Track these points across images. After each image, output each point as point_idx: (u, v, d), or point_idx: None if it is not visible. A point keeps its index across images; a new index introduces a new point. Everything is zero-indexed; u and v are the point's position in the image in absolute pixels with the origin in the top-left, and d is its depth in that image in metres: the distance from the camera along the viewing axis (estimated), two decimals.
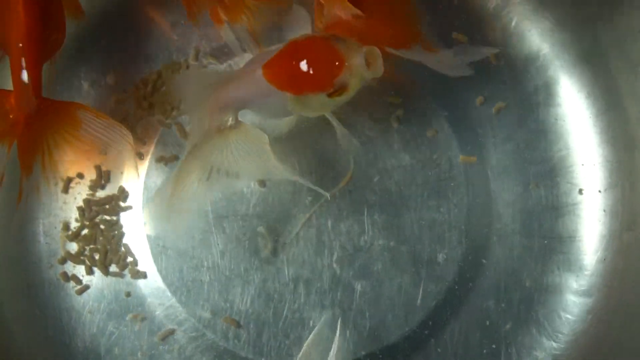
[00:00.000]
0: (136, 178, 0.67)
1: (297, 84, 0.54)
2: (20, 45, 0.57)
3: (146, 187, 0.67)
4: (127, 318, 0.66)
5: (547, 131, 0.66)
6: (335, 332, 0.63)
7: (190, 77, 0.60)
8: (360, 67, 0.52)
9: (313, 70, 0.53)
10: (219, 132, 0.57)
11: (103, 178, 0.67)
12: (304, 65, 0.53)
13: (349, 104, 0.66)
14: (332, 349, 0.62)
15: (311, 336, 0.63)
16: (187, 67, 0.68)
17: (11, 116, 0.59)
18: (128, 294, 0.66)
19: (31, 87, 0.58)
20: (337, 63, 0.52)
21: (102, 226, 0.67)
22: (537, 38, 0.67)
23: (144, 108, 0.68)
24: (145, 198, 0.67)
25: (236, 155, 0.57)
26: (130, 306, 0.66)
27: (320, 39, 0.53)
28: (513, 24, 0.67)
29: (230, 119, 0.57)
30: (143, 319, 0.66)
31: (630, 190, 0.64)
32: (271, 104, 0.56)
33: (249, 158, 0.58)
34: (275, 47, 0.55)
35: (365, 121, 0.67)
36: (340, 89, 0.53)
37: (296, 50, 0.54)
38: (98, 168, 0.67)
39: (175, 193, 0.58)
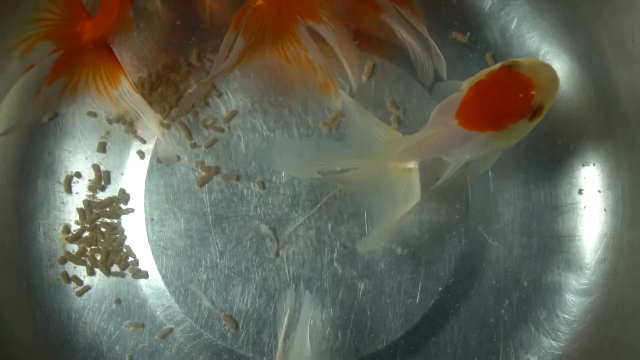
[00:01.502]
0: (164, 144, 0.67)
1: (497, 121, 0.55)
2: None
3: (147, 190, 0.67)
4: (125, 324, 0.66)
5: (548, 131, 0.66)
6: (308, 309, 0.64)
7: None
8: (548, 80, 0.54)
9: (509, 103, 0.54)
10: (392, 167, 0.59)
11: (103, 179, 0.67)
12: (499, 102, 0.54)
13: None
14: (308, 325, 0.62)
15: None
16: (188, 66, 0.68)
17: (79, 33, 0.61)
18: (128, 295, 0.66)
19: (111, 28, 0.61)
20: (527, 86, 0.53)
21: (102, 229, 0.67)
22: (536, 38, 0.67)
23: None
24: (147, 201, 0.67)
25: (387, 191, 0.59)
26: (130, 307, 0.66)
27: (503, 71, 0.54)
28: (513, 25, 0.67)
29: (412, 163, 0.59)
30: (142, 326, 0.66)
31: (630, 190, 0.65)
32: (471, 146, 0.57)
33: (385, 201, 0.59)
34: (452, 96, 0.57)
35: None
36: (539, 109, 0.54)
37: (484, 89, 0.55)
38: (96, 168, 0.67)
39: None
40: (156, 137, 0.67)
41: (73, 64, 0.62)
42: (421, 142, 0.57)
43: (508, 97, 0.54)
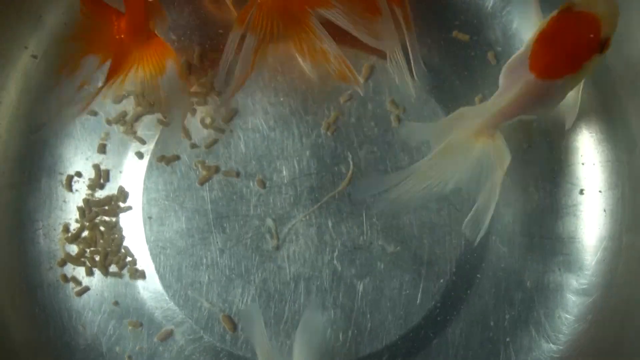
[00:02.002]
0: (183, 139, 0.67)
1: (572, 63, 0.55)
2: None
3: (146, 188, 0.67)
4: (124, 323, 0.66)
5: (548, 130, 0.66)
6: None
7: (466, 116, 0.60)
8: (608, 9, 0.55)
9: (579, 43, 0.55)
10: (475, 138, 0.59)
11: (102, 177, 0.67)
12: (570, 44, 0.55)
13: (348, 105, 0.67)
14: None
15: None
16: (190, 66, 0.68)
17: (117, 37, 0.61)
18: (126, 297, 0.66)
19: (144, 14, 0.61)
20: (592, 23, 0.54)
21: (101, 228, 0.67)
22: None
23: (143, 106, 0.68)
24: (146, 199, 0.67)
25: (475, 164, 0.59)
26: (130, 308, 0.66)
27: (563, 15, 0.55)
28: (514, 24, 0.67)
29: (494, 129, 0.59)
30: (140, 325, 0.66)
31: (631, 190, 0.64)
32: (550, 97, 0.57)
33: (480, 172, 0.59)
34: (514, 56, 0.57)
35: (365, 121, 0.67)
36: (607, 40, 0.55)
37: (551, 36, 0.56)
38: (97, 167, 0.67)
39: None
40: (156, 138, 0.67)
41: (124, 65, 0.62)
42: (503, 107, 0.57)
43: (577, 38, 0.55)
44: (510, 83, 0.58)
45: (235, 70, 0.63)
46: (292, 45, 0.64)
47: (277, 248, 0.66)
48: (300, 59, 0.66)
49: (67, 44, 0.62)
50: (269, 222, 0.66)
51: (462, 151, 0.59)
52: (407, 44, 0.64)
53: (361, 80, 0.64)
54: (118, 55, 0.61)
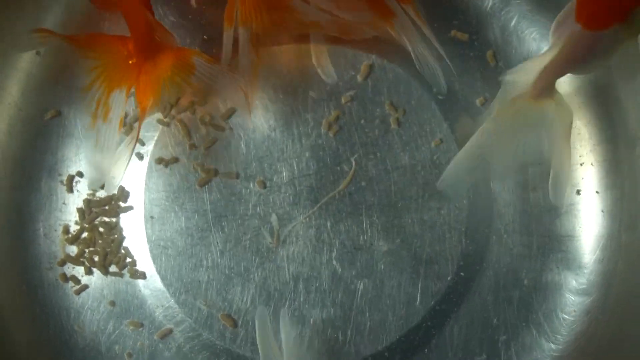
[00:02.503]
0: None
1: (620, 9, 0.52)
2: None
3: (147, 188, 0.67)
4: (124, 324, 0.66)
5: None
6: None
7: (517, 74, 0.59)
8: None
9: None
10: (535, 100, 0.57)
11: None
12: None
13: (349, 105, 0.67)
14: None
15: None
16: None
17: (131, 62, 0.61)
18: (127, 295, 0.66)
19: (149, 30, 0.59)
20: None
21: (101, 229, 0.67)
22: (536, 36, 0.67)
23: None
24: (147, 198, 0.67)
25: (539, 126, 0.58)
26: (130, 307, 0.66)
27: None
28: (512, 23, 0.67)
29: (551, 88, 0.57)
30: (141, 325, 0.66)
31: (629, 190, 0.65)
32: (600, 49, 0.55)
33: (549, 133, 0.58)
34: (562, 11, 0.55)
35: (365, 122, 0.67)
36: None
37: None
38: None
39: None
40: (156, 138, 0.67)
41: (149, 85, 0.61)
42: (551, 63, 0.56)
43: None
44: (557, 37, 0.56)
45: (239, 67, 0.63)
46: (283, 31, 0.64)
47: (277, 246, 0.66)
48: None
49: (87, 90, 0.61)
50: (274, 218, 0.66)
51: (522, 116, 0.58)
52: (427, 36, 0.64)
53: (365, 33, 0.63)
54: (144, 78, 0.61)
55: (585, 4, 0.53)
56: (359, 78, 0.67)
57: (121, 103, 0.61)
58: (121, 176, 0.62)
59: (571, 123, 0.58)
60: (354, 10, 0.63)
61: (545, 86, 0.57)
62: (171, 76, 0.61)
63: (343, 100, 0.67)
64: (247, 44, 0.62)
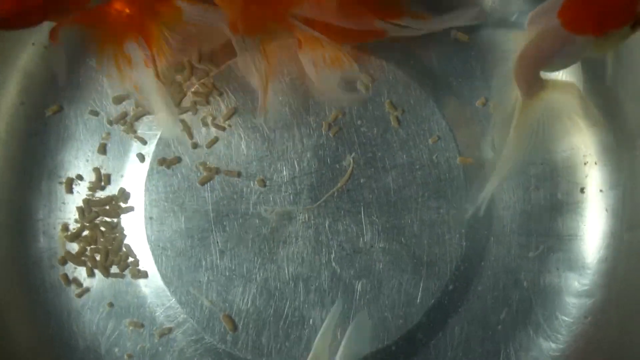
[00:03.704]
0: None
1: (601, 24, 0.53)
2: None
3: (147, 189, 0.67)
4: (125, 323, 0.66)
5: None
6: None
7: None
8: None
9: (615, 6, 0.53)
10: (530, 97, 0.58)
11: (103, 180, 0.68)
12: (605, 4, 0.53)
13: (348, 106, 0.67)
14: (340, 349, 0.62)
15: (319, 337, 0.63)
16: (191, 67, 0.68)
17: (124, 19, 0.61)
18: (127, 295, 0.66)
19: None
20: None
21: (102, 228, 0.67)
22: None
23: (143, 107, 0.68)
24: (147, 199, 0.67)
25: (549, 117, 0.58)
26: (130, 307, 0.66)
27: None
28: (512, 20, 0.67)
29: (537, 81, 0.58)
30: (141, 326, 0.66)
31: (632, 189, 0.64)
32: (568, 52, 0.56)
33: (561, 116, 0.59)
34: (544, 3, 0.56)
35: (365, 121, 0.67)
36: None
37: None
38: (97, 171, 0.67)
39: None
40: (157, 138, 0.67)
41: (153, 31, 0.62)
42: (524, 54, 0.56)
43: (614, 1, 0.53)
44: (533, 27, 0.57)
45: (240, 65, 0.64)
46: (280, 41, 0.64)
47: (277, 246, 0.66)
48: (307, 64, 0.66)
49: (100, 55, 0.62)
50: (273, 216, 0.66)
51: (532, 118, 0.58)
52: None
53: (356, 65, 0.64)
54: (140, 29, 0.62)
55: (572, 5, 0.54)
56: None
57: (136, 50, 0.61)
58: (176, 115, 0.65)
59: (580, 98, 0.58)
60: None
61: (527, 83, 0.58)
62: (165, 22, 0.61)
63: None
64: (257, 51, 0.63)
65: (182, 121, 0.67)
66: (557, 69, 0.59)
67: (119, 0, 0.61)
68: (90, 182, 0.68)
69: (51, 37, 0.61)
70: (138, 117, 0.68)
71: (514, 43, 0.58)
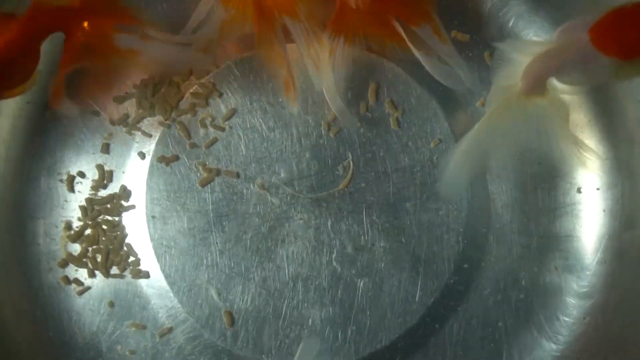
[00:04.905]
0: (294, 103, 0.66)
1: (627, 49, 0.53)
2: None
3: (149, 187, 0.67)
4: (126, 324, 0.66)
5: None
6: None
7: (510, 46, 0.59)
8: None
9: None
10: (526, 97, 0.58)
11: (105, 178, 0.68)
12: (636, 30, 0.53)
13: (349, 105, 0.67)
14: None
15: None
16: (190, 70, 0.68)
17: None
18: (128, 294, 0.67)
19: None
20: None
21: (104, 226, 0.67)
22: (535, 37, 0.67)
23: (144, 108, 0.68)
24: (149, 197, 0.67)
25: (534, 124, 0.58)
26: (132, 307, 0.66)
27: None
28: (510, 23, 0.67)
29: (541, 85, 0.57)
30: (143, 327, 0.66)
31: (630, 189, 0.64)
32: (590, 70, 0.55)
33: (545, 130, 0.58)
34: (576, 19, 0.55)
35: (365, 122, 0.67)
36: None
37: (625, 15, 0.53)
38: (100, 167, 0.68)
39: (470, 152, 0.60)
40: (158, 137, 0.67)
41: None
42: (543, 56, 0.56)
43: None
44: (560, 38, 0.56)
45: (199, 31, 0.64)
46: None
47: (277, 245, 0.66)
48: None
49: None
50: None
51: (515, 113, 0.58)
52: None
53: (292, 104, 0.65)
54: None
55: (604, 23, 0.54)
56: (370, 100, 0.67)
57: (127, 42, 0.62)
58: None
59: (567, 120, 0.58)
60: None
61: (533, 81, 0.57)
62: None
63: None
64: (217, 23, 0.62)
65: (180, 123, 0.67)
66: (576, 84, 0.58)
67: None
68: (93, 179, 0.68)
69: (52, 105, 0.62)
70: (140, 119, 0.68)
71: (523, 51, 0.58)
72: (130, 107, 0.68)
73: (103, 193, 0.68)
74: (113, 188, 0.68)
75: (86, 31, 0.60)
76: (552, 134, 0.58)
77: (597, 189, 0.65)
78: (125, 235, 0.67)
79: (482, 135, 0.59)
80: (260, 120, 0.67)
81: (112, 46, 0.61)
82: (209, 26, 0.63)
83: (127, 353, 0.66)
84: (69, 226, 0.67)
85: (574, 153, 0.59)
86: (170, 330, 0.66)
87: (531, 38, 0.67)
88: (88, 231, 0.67)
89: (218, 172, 0.67)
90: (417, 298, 0.65)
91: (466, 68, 0.64)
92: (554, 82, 0.58)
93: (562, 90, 0.59)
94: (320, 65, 0.63)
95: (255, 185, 0.66)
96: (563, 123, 0.58)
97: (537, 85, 0.57)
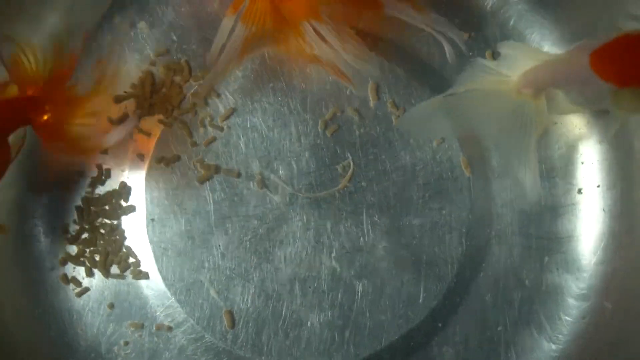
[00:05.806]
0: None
1: (624, 77, 0.53)
2: None
3: (148, 187, 0.67)
4: (126, 325, 0.66)
5: (547, 130, 0.66)
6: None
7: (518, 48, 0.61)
8: None
9: None
10: (516, 89, 0.58)
11: (104, 176, 0.68)
12: (636, 60, 0.53)
13: (348, 105, 0.67)
14: None
15: None
16: (189, 68, 0.68)
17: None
18: (129, 296, 0.66)
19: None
20: None
21: (102, 230, 0.67)
22: (535, 37, 0.67)
23: (144, 108, 0.68)
24: (149, 197, 0.67)
25: (506, 118, 0.59)
26: (132, 308, 0.66)
27: None
28: (511, 22, 0.67)
29: (535, 90, 0.58)
30: (142, 327, 0.66)
31: (630, 189, 0.64)
32: (588, 92, 0.56)
33: (517, 127, 0.59)
34: (591, 39, 0.55)
35: (365, 121, 0.67)
36: None
37: (628, 43, 0.53)
38: (99, 167, 0.67)
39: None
40: (157, 138, 0.67)
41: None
42: (546, 67, 0.56)
43: None
44: (568, 54, 0.57)
45: (221, 55, 0.63)
46: (279, 44, 0.64)
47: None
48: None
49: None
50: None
51: (499, 100, 0.59)
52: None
53: (353, 87, 0.65)
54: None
55: (607, 49, 0.54)
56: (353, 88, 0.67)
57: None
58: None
59: (542, 131, 0.59)
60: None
61: (528, 82, 0.58)
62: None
63: (343, 100, 0.67)
64: (238, 40, 0.62)
65: (181, 122, 0.67)
66: (576, 104, 0.58)
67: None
68: (92, 177, 0.68)
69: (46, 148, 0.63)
70: (139, 118, 0.68)
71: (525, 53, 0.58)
72: (129, 107, 0.68)
73: (101, 190, 0.67)
74: (111, 186, 0.67)
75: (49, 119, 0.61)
76: (518, 138, 0.59)
77: (597, 186, 0.65)
78: (124, 239, 0.67)
79: (457, 99, 0.60)
80: (260, 119, 0.67)
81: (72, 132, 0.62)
82: (231, 46, 0.63)
83: (127, 353, 0.65)
84: (66, 229, 0.67)
85: (528, 166, 0.59)
86: (170, 330, 0.66)
87: (536, 43, 0.67)
88: (86, 235, 0.67)
89: (217, 169, 0.67)
90: (420, 300, 0.65)
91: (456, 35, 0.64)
92: (562, 99, 0.58)
93: (565, 109, 0.60)
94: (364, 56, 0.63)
95: (255, 184, 0.66)
96: (537, 131, 0.59)
97: (532, 87, 0.58)
